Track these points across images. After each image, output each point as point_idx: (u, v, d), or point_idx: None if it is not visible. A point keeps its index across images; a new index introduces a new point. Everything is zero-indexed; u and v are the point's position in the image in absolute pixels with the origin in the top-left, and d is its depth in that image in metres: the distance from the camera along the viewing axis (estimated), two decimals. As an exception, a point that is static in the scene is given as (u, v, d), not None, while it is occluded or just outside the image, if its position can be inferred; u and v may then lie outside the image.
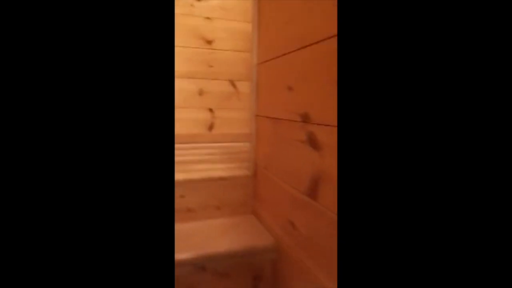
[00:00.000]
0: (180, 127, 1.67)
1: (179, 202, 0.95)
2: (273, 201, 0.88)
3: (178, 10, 1.57)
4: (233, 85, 1.77)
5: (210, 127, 1.77)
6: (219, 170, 1.07)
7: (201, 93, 1.70)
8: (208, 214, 0.99)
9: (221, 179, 0.99)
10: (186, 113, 1.67)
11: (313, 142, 0.67)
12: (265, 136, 0.93)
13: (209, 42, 1.66)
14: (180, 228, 0.93)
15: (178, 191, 0.94)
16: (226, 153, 1.40)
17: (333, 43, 0.59)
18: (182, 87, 1.64)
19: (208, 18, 1.64)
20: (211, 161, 1.21)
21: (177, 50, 1.60)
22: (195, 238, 0.87)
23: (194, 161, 1.20)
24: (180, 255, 0.76)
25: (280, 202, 0.83)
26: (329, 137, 0.60)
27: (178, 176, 0.97)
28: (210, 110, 1.75)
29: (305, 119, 0.69)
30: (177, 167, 1.10)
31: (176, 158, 1.23)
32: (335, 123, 0.59)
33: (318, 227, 0.64)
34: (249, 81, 1.79)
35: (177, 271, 0.77)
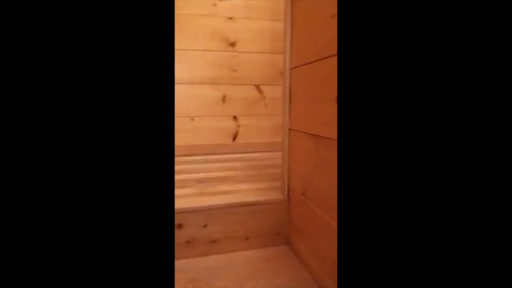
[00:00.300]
0: (202, 137, 1.55)
1: (202, 233, 0.81)
2: (315, 236, 0.72)
3: (198, 10, 1.45)
4: (259, 90, 1.62)
5: (234, 136, 1.64)
6: (246, 192, 0.92)
7: (224, 99, 1.57)
8: (235, 246, 0.85)
9: (250, 204, 0.84)
10: (208, 122, 1.55)
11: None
12: (301, 155, 0.78)
13: (232, 44, 1.53)
14: (204, 264, 0.79)
15: (200, 220, 0.81)
16: (252, 167, 1.25)
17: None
18: (203, 93, 1.52)
19: (230, 18, 1.51)
20: (236, 179, 1.07)
21: (197, 54, 1.48)
22: (221, 279, 0.73)
23: (217, 178, 1.07)
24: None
25: (325, 240, 0.67)
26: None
27: (200, 201, 0.83)
28: (234, 118, 1.61)
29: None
30: (198, 189, 0.97)
31: (197, 175, 1.11)
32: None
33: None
34: (276, 85, 1.64)
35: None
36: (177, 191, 0.92)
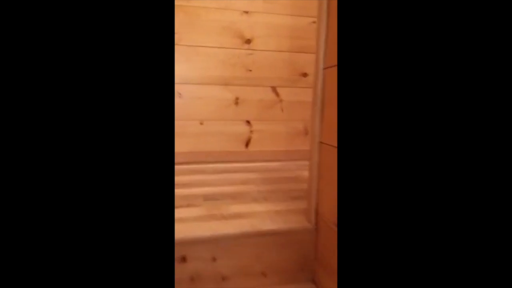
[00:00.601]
0: (211, 143, 1.41)
1: (209, 268, 0.66)
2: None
3: (211, 3, 1.31)
4: (276, 92, 1.47)
5: (247, 143, 1.49)
6: (263, 216, 0.77)
7: (237, 102, 1.42)
8: (250, 284, 0.70)
9: (268, 233, 0.69)
10: (219, 126, 1.41)
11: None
12: (336, 176, 0.62)
13: (247, 41, 1.38)
14: (210, 310, 0.64)
15: (207, 252, 0.66)
16: (268, 180, 1.10)
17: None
18: (214, 95, 1.38)
19: (246, 12, 1.37)
20: (250, 196, 0.92)
21: (209, 51, 1.34)
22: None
23: (228, 195, 0.92)
24: None
25: None
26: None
27: (208, 228, 0.68)
28: (247, 122, 1.47)
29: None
30: (206, 209, 0.82)
31: (205, 190, 0.96)
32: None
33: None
34: (295, 87, 1.48)
35: None
36: (181, 212, 0.77)
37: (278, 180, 1.12)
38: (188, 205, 0.82)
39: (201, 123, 1.38)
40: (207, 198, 0.89)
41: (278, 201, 0.88)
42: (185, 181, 1.06)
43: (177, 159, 1.34)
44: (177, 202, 0.85)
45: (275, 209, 0.81)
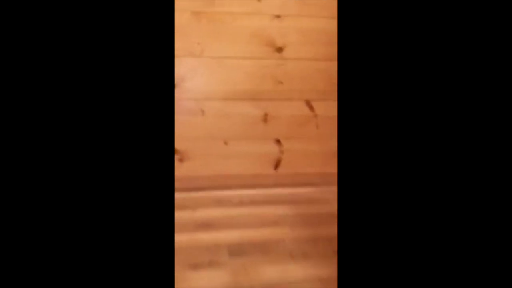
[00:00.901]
0: (236, 165, 1.26)
1: None
2: None
3: (239, 8, 1.14)
4: (310, 106, 1.29)
5: (276, 164, 1.33)
6: (302, 286, 0.60)
7: (266, 119, 1.26)
8: None
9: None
10: (245, 146, 1.26)
11: None
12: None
13: (278, 49, 1.21)
14: None
15: None
16: (304, 219, 0.93)
17: None
18: (240, 111, 1.22)
19: (278, 16, 1.20)
20: (284, 246, 0.76)
21: (234, 62, 1.18)
22: None
23: (257, 245, 0.76)
24: None
25: None
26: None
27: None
28: (277, 141, 1.31)
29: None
30: (231, 271, 0.67)
31: (230, 235, 0.81)
32: None
33: None
34: (332, 100, 1.30)
35: None
36: (202, 278, 0.63)
37: (316, 219, 0.95)
38: (210, 264, 0.68)
39: (226, 143, 1.23)
40: (233, 251, 0.74)
41: (321, 257, 0.71)
42: (208, 219, 0.92)
43: (199, 183, 1.21)
44: (198, 255, 0.70)
45: (318, 274, 0.65)
